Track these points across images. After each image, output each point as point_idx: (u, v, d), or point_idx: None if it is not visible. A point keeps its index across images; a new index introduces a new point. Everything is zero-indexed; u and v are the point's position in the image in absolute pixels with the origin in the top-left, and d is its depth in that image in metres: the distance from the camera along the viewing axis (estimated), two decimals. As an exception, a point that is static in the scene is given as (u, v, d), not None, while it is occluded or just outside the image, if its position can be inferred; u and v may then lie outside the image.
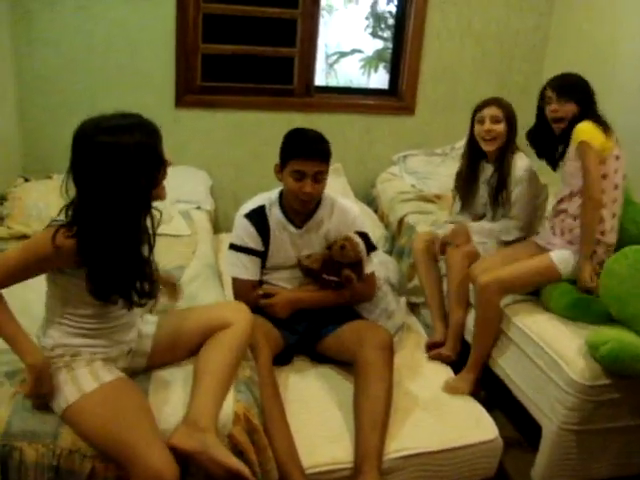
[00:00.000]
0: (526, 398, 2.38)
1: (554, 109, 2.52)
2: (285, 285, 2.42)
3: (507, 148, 2.76)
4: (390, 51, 4.34)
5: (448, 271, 2.79)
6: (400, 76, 4.09)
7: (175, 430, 1.66)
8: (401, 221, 3.49)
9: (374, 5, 8.95)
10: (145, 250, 1.73)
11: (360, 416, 2.04)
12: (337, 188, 3.47)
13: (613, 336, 2.12)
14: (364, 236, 2.40)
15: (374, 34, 9.17)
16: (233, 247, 2.37)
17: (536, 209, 2.84)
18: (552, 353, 2.23)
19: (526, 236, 2.79)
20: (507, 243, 2.80)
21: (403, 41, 4.02)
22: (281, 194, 2.37)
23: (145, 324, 1.93)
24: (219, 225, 3.79)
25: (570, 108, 2.48)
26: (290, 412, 2.08)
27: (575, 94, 2.48)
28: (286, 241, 2.37)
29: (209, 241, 3.16)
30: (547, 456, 2.24)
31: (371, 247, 2.44)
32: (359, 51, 9.40)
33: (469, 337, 2.68)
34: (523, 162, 2.75)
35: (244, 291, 2.35)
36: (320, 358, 2.42)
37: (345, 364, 2.34)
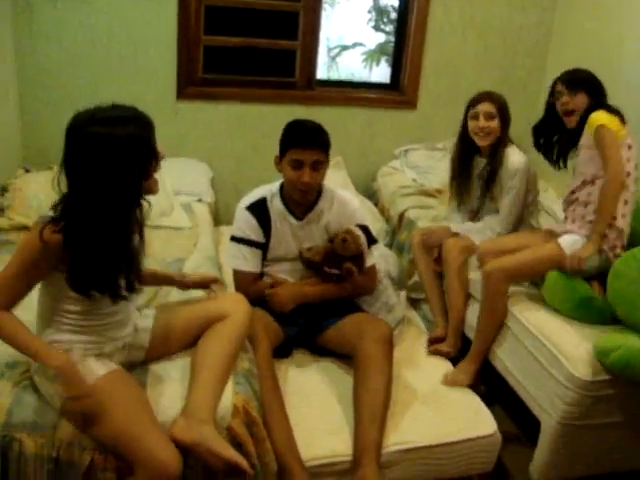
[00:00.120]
0: (525, 392, 2.38)
1: (565, 101, 2.52)
2: (286, 277, 2.42)
3: (500, 142, 2.76)
4: (392, 45, 4.32)
5: (445, 267, 2.79)
6: (402, 70, 4.08)
7: (174, 423, 1.66)
8: (402, 216, 3.49)
9: (376, -2, 8.92)
10: (136, 242, 1.73)
11: (359, 409, 2.05)
12: (338, 181, 3.47)
13: (622, 342, 2.08)
14: (365, 229, 2.41)
15: (376, 27, 9.14)
16: (234, 239, 2.37)
17: (527, 205, 2.84)
18: (552, 348, 2.24)
19: (513, 231, 2.81)
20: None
21: (405, 35, 4.00)
22: (282, 186, 2.37)
23: (142, 318, 1.93)
24: (220, 217, 3.79)
25: (581, 100, 2.48)
26: (290, 405, 2.08)
27: (585, 85, 2.49)
28: (287, 233, 2.37)
29: (210, 233, 3.16)
30: (545, 451, 2.24)
31: (372, 240, 2.44)
32: (361, 44, 9.37)
33: (469, 332, 2.68)
34: (516, 156, 2.75)
35: (245, 283, 2.35)
36: (320, 351, 2.42)
37: (345, 357, 2.34)
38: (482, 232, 2.83)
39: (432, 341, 2.67)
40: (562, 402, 2.17)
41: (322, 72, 8.13)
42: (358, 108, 4.02)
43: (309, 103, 3.86)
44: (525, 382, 2.38)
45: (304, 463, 1.93)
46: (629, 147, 2.43)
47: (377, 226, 3.42)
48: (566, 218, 2.60)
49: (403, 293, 2.83)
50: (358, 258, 2.36)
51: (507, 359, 2.49)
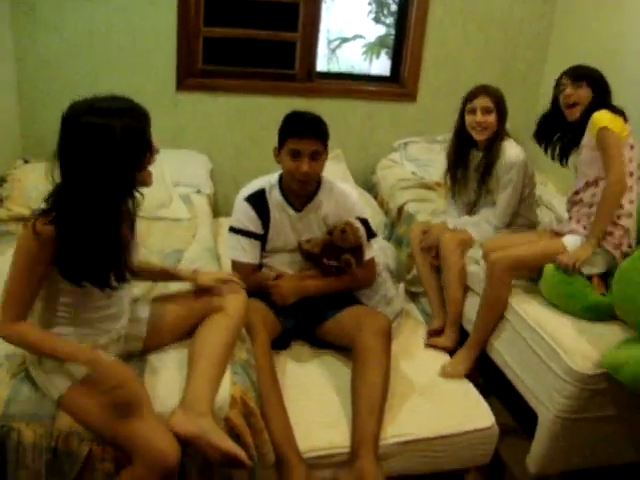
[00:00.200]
0: (523, 385, 2.38)
1: (568, 94, 2.52)
2: (285, 269, 2.42)
3: (497, 136, 2.76)
4: (392, 37, 4.31)
5: (443, 261, 2.79)
6: (402, 62, 4.07)
7: (172, 414, 1.66)
8: (401, 209, 3.48)
9: (377, -9, 8.89)
10: (127, 233, 1.73)
11: (357, 401, 2.05)
12: (337, 174, 3.46)
13: (629, 355, 2.05)
14: (364, 222, 2.41)
15: (376, 20, 9.10)
16: (233, 230, 2.38)
17: (524, 198, 2.83)
18: (550, 341, 2.24)
19: (509, 225, 2.82)
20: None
21: (406, 27, 3.99)
22: (281, 178, 2.37)
23: (139, 308, 1.93)
24: (219, 209, 3.79)
25: (584, 93, 2.48)
26: (288, 397, 2.09)
27: (589, 78, 2.49)
28: (286, 224, 2.37)
29: (209, 225, 3.16)
30: (543, 444, 2.25)
31: (371, 234, 2.44)
32: (361, 37, 9.34)
33: (468, 326, 2.68)
34: (513, 149, 2.75)
35: (243, 274, 2.34)
36: (319, 343, 2.42)
37: (344, 350, 2.34)
38: (478, 225, 2.83)
39: (430, 334, 2.67)
40: (560, 395, 2.17)
41: (322, 64, 8.10)
42: (358, 101, 4.01)
43: (309, 95, 3.85)
44: (523, 375, 2.38)
45: (302, 454, 1.94)
46: (631, 147, 2.42)
47: (376, 219, 3.41)
48: (570, 218, 2.60)
49: (401, 286, 2.83)
50: (357, 250, 2.36)
51: (505, 352, 2.50)
